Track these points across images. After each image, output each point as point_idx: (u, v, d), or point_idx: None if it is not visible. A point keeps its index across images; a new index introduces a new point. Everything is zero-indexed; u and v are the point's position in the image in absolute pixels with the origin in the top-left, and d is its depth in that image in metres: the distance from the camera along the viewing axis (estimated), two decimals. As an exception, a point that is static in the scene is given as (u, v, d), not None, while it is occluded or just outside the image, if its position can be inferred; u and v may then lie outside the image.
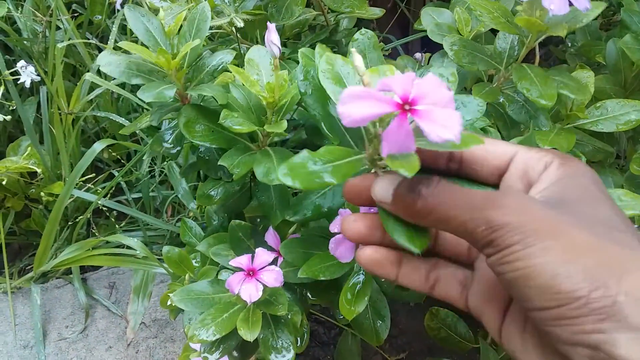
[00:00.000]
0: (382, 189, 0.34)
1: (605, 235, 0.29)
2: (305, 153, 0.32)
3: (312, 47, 0.91)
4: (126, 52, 0.56)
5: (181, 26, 0.59)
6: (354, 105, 0.28)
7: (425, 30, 0.79)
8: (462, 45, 0.69)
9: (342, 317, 0.69)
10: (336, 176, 0.32)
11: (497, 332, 0.35)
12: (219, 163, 0.53)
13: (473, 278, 0.37)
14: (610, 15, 1.07)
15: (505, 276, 0.30)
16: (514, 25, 0.63)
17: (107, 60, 0.54)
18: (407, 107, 0.29)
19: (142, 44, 0.57)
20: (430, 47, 0.88)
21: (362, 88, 0.29)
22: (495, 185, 0.36)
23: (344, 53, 0.97)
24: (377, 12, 0.91)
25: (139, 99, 0.63)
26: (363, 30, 0.61)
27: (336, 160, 0.33)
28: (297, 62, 0.84)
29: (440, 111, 0.29)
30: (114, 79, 1.12)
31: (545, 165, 0.34)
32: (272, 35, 0.48)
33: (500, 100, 0.70)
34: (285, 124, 0.52)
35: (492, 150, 0.35)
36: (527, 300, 0.29)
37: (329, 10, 0.93)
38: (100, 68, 0.53)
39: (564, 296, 0.28)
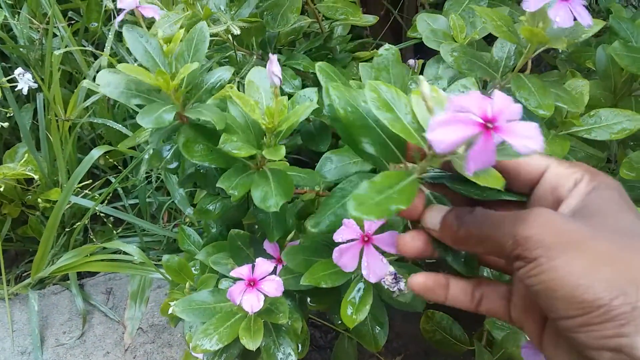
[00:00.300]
0: (432, 217, 0.37)
1: (626, 244, 0.31)
2: (365, 184, 0.33)
3: (307, 53, 0.92)
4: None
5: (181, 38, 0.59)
6: (443, 132, 0.30)
7: (418, 37, 0.79)
8: (462, 51, 0.69)
9: (340, 322, 0.69)
10: (403, 201, 0.33)
11: (538, 342, 0.37)
12: (217, 185, 0.53)
13: (513, 291, 0.39)
14: (600, 22, 1.08)
15: (534, 288, 0.32)
16: (515, 34, 0.64)
17: (107, 80, 0.54)
18: (490, 125, 0.30)
19: (141, 65, 0.56)
20: (423, 53, 0.89)
21: (447, 114, 0.30)
22: (527, 196, 0.38)
23: (339, 59, 0.99)
24: (370, 19, 0.92)
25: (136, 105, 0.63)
26: (387, 45, 0.61)
27: (395, 185, 0.34)
28: (293, 69, 0.85)
29: (520, 125, 0.30)
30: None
31: (575, 182, 0.35)
32: (274, 67, 0.49)
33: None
34: (283, 151, 0.52)
35: (525, 163, 0.37)
36: (554, 309, 0.31)
37: (324, 18, 0.94)
38: (100, 89, 0.52)
39: (587, 305, 0.29)
